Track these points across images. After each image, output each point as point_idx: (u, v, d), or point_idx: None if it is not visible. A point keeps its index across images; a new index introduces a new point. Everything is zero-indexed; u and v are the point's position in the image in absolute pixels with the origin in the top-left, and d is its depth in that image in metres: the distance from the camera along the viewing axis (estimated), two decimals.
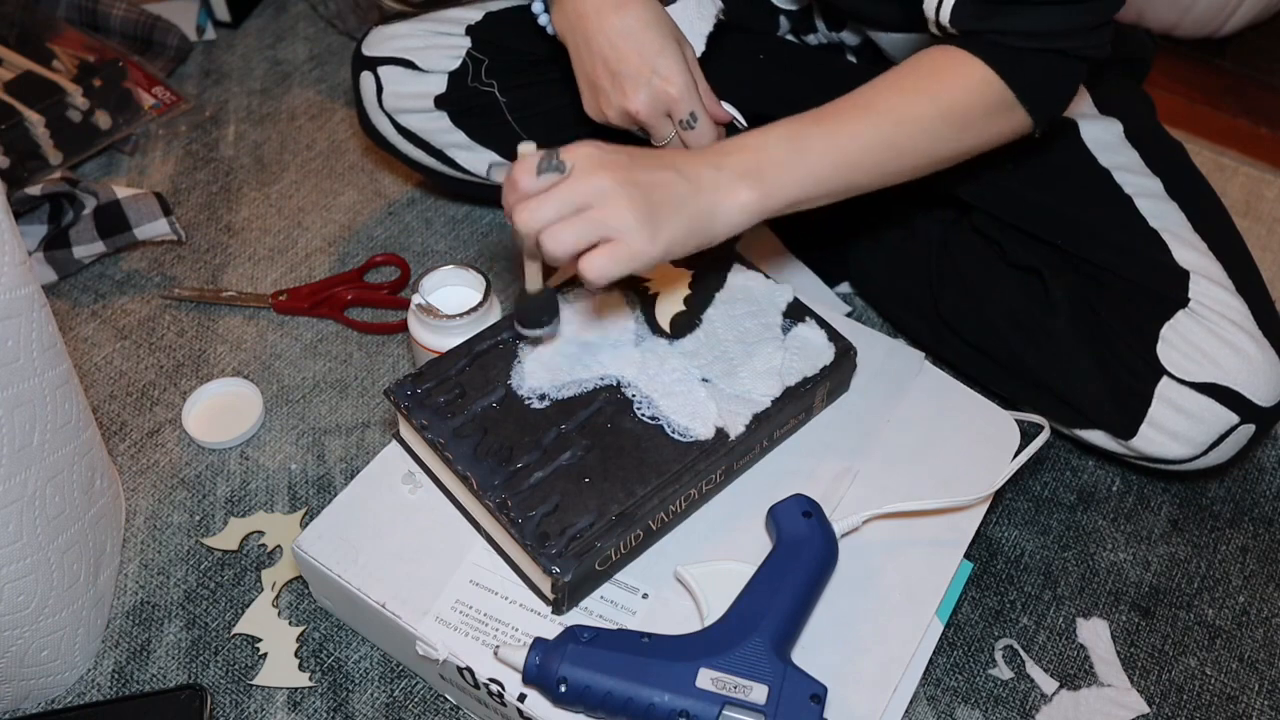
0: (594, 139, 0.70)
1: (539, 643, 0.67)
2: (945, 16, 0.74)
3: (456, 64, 0.99)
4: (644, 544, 0.74)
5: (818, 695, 0.64)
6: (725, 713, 0.63)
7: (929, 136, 0.74)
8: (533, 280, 0.73)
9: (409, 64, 0.99)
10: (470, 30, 1.00)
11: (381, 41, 1.00)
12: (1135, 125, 0.92)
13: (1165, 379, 0.82)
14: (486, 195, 1.13)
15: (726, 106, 0.82)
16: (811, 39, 0.98)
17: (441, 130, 1.01)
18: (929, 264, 0.98)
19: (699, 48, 0.85)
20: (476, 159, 1.03)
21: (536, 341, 0.78)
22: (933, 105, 0.73)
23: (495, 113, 1.00)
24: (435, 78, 0.99)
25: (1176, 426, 0.82)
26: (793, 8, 0.93)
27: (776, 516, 0.73)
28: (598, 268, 0.66)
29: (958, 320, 0.95)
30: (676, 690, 0.64)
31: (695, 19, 0.86)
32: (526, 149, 0.68)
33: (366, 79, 1.01)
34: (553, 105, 0.99)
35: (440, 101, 0.99)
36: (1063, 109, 0.78)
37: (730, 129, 0.83)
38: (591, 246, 0.66)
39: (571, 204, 0.66)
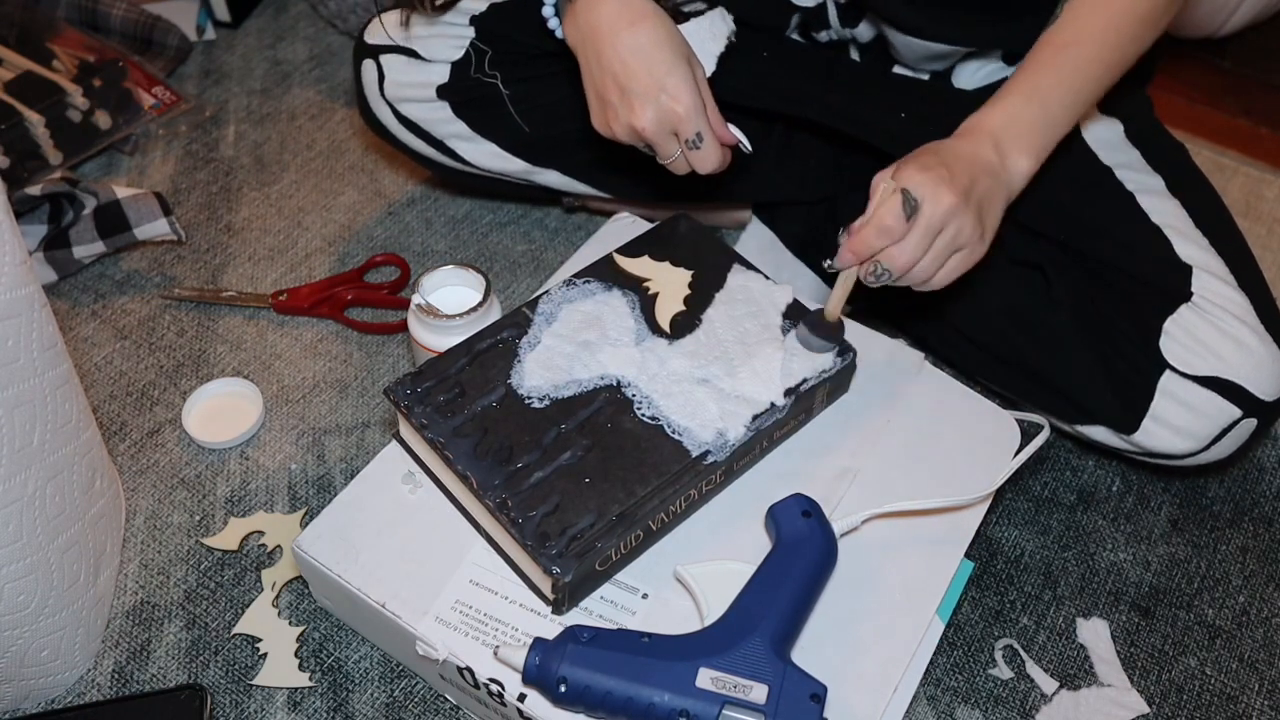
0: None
1: (539, 643, 0.67)
2: None
3: (459, 54, 0.99)
4: (644, 544, 0.74)
5: (818, 695, 0.64)
6: (725, 712, 0.63)
7: (1135, 42, 0.79)
8: (836, 308, 0.78)
9: (411, 53, 0.99)
10: (474, 20, 1.00)
11: (384, 30, 1.00)
12: (1136, 125, 0.92)
13: (1168, 372, 0.82)
14: (486, 187, 1.13)
15: (732, 129, 0.82)
16: (822, 35, 0.97)
17: (442, 120, 1.01)
18: None
19: (709, 67, 0.85)
20: (477, 150, 1.03)
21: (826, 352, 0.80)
22: (1131, 14, 0.78)
23: (497, 104, 1.00)
24: (438, 67, 0.99)
25: (1179, 420, 0.82)
26: (809, 4, 0.93)
27: (776, 516, 0.73)
28: (949, 278, 0.75)
29: (959, 316, 0.95)
30: (676, 690, 0.64)
31: (707, 39, 0.86)
32: (883, 186, 0.73)
33: (368, 67, 1.00)
34: (555, 98, 0.99)
35: (442, 91, 0.99)
36: None
37: (736, 151, 0.83)
38: None
39: (933, 232, 0.72)
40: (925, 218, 0.71)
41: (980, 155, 0.75)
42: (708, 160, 0.81)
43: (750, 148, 0.83)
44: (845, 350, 0.80)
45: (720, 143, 0.82)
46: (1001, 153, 0.76)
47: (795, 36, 1.00)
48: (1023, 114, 0.77)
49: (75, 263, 1.07)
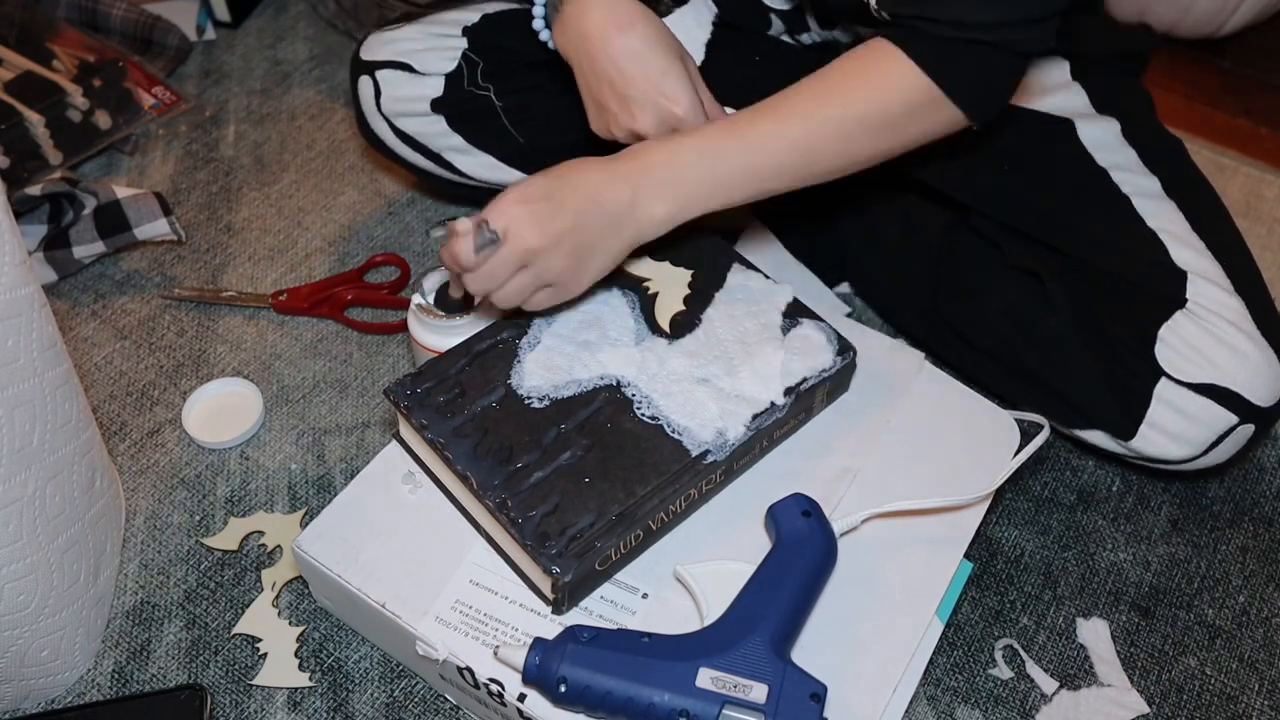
0: (584, 156, 0.75)
1: (539, 643, 0.67)
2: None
3: (453, 65, 0.99)
4: (644, 544, 0.74)
5: (818, 694, 0.64)
6: (725, 712, 0.63)
7: (843, 140, 0.74)
8: (457, 290, 0.82)
9: (406, 67, 0.99)
10: (467, 31, 1.00)
11: (379, 45, 1.00)
12: (1133, 124, 0.92)
13: (1164, 380, 0.82)
14: (483, 198, 1.12)
15: (730, 113, 0.82)
16: (805, 38, 0.97)
17: (439, 134, 1.01)
18: (929, 264, 0.98)
19: (698, 56, 0.85)
20: (474, 162, 1.03)
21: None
22: (847, 109, 0.73)
23: (492, 116, 1.00)
24: (432, 80, 0.99)
25: (1175, 427, 0.82)
26: (785, 7, 0.93)
27: (776, 516, 0.73)
28: (537, 306, 0.76)
29: (958, 320, 0.95)
30: (676, 690, 0.64)
31: (693, 27, 0.86)
32: (460, 226, 0.73)
33: (365, 83, 1.01)
34: (549, 108, 0.99)
35: (437, 105, 0.99)
36: (1002, 104, 0.77)
37: None
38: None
39: (511, 271, 0.73)
40: (503, 256, 0.72)
41: (607, 194, 0.73)
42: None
43: None
44: (845, 350, 0.80)
45: None
46: (636, 193, 0.73)
47: (786, 39, 1.00)
48: (685, 164, 0.74)
49: (75, 263, 1.07)
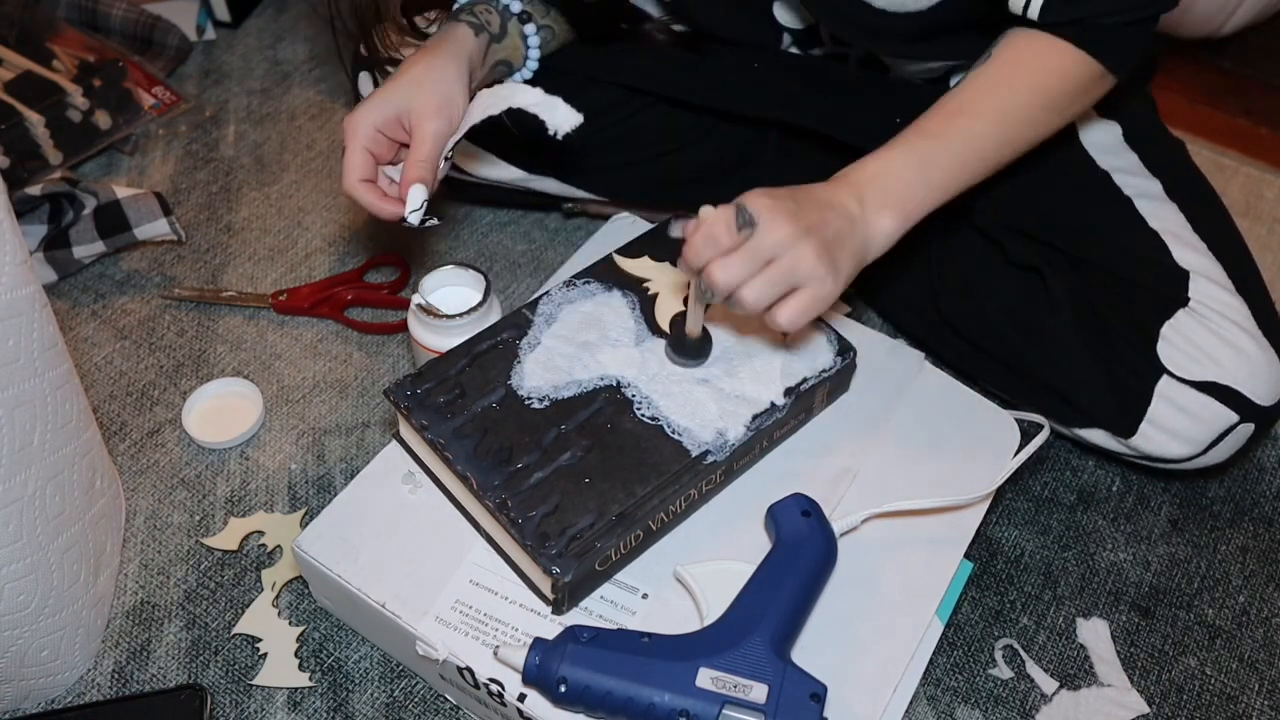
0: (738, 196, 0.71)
1: (538, 643, 0.67)
2: (1034, 13, 0.75)
3: None
4: (644, 544, 0.74)
5: (818, 694, 0.64)
6: (725, 712, 0.63)
7: (1033, 125, 0.78)
8: (696, 324, 0.76)
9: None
10: None
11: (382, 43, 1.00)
12: (1134, 127, 0.92)
13: (1165, 377, 0.82)
14: (486, 196, 1.13)
15: (413, 195, 0.80)
16: (816, 51, 0.98)
17: None
18: (929, 263, 0.98)
19: (465, 124, 0.83)
20: (474, 161, 1.03)
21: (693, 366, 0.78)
22: (1034, 96, 0.77)
23: (491, 120, 1.00)
24: None
25: (1176, 425, 0.82)
26: (798, 26, 0.94)
27: (775, 516, 0.73)
28: (792, 316, 0.70)
29: (958, 320, 0.95)
30: (677, 690, 0.64)
31: (489, 106, 0.83)
32: (707, 212, 0.68)
33: (365, 80, 1.01)
34: None
35: None
36: (1140, 61, 0.81)
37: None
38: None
39: (762, 258, 0.68)
40: (756, 241, 0.68)
41: (837, 200, 0.72)
42: (347, 178, 0.81)
43: (415, 223, 0.81)
44: (845, 350, 0.80)
45: (402, 189, 0.81)
46: (863, 205, 0.73)
47: (795, 49, 1.00)
48: (899, 173, 0.74)
49: (75, 263, 1.07)
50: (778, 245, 0.68)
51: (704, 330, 0.77)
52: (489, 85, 0.90)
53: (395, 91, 0.81)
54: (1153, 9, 0.76)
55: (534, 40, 0.91)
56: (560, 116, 0.79)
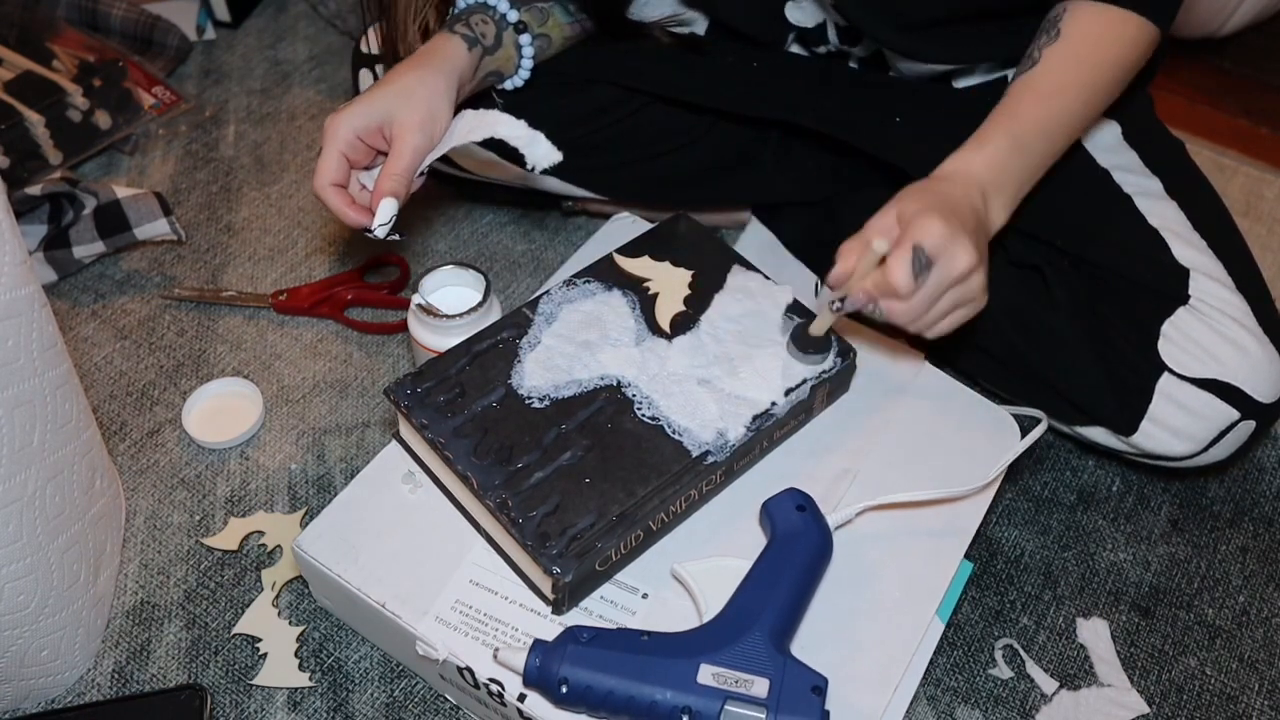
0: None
1: (539, 644, 0.67)
2: None
3: None
4: (644, 544, 0.74)
5: (818, 687, 0.64)
6: (727, 707, 0.63)
7: (1110, 96, 0.80)
8: (823, 327, 0.78)
9: None
10: None
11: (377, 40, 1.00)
12: (1134, 126, 0.92)
13: (1166, 375, 0.82)
14: (486, 194, 1.13)
15: (383, 210, 0.80)
16: (821, 49, 0.98)
17: None
18: None
19: (445, 145, 0.83)
20: (473, 158, 1.03)
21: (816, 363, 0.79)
22: (1112, 70, 0.79)
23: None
24: None
25: (1177, 422, 0.82)
26: (807, 25, 0.94)
27: (770, 511, 0.73)
28: (946, 331, 0.73)
29: None
30: (678, 687, 0.64)
31: (471, 131, 0.83)
32: (880, 246, 0.69)
33: (365, 76, 1.01)
34: (550, 107, 0.99)
35: None
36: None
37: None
38: None
39: (940, 293, 0.70)
40: (936, 278, 0.69)
41: (974, 204, 0.73)
42: (318, 179, 0.81)
43: (381, 236, 0.81)
44: (845, 350, 0.80)
45: (373, 199, 0.81)
46: (987, 202, 0.74)
47: (796, 46, 1.00)
48: (1008, 164, 0.76)
49: (75, 263, 1.07)
50: (956, 279, 0.70)
51: (830, 336, 0.79)
52: (478, 93, 0.90)
53: (381, 100, 0.81)
54: None
55: (528, 50, 0.91)
56: (540, 153, 0.80)
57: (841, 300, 0.72)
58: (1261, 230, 1.19)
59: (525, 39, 0.90)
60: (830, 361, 0.79)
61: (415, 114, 0.80)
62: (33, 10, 1.28)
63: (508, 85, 0.94)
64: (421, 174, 0.83)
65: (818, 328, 0.78)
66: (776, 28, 0.95)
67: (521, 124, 0.80)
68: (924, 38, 0.87)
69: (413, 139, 0.80)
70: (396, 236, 0.81)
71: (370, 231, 0.80)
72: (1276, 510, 0.94)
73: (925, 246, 0.68)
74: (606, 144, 1.01)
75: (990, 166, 0.75)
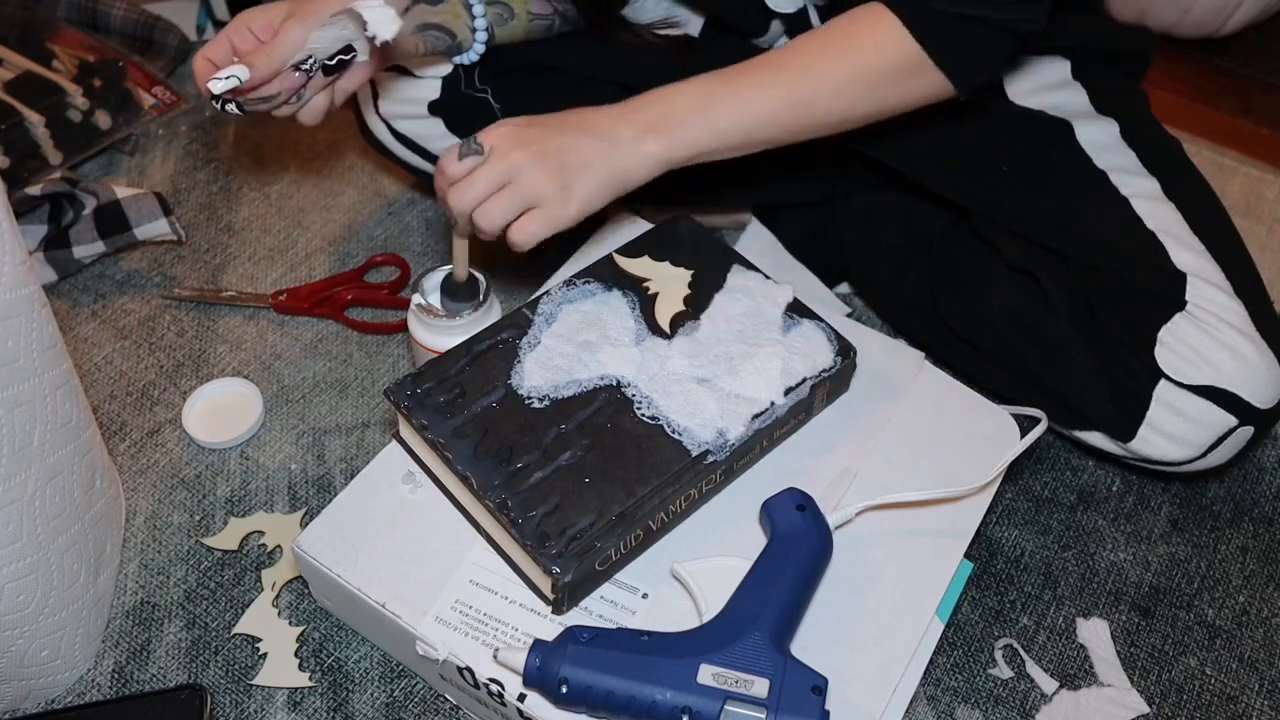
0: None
1: (539, 645, 0.67)
2: None
3: (449, 68, 0.99)
4: (644, 544, 0.74)
5: (819, 687, 0.64)
6: (727, 707, 0.64)
7: (836, 95, 0.77)
8: (461, 265, 0.82)
9: (403, 69, 0.99)
10: None
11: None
12: (1132, 125, 0.92)
13: (1163, 382, 0.82)
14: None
15: (227, 74, 0.78)
16: None
17: (437, 135, 1.01)
18: (929, 264, 0.98)
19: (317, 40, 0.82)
20: None
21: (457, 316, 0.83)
22: (841, 65, 0.76)
23: (489, 118, 1.00)
24: (429, 83, 0.99)
25: (1175, 429, 0.82)
26: (789, 10, 0.93)
27: (770, 511, 0.73)
28: (523, 234, 0.75)
29: (957, 321, 0.95)
30: (678, 687, 0.64)
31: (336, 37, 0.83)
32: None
33: (363, 85, 1.01)
34: (548, 110, 0.99)
35: (434, 107, 0.99)
36: (987, 78, 0.80)
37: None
38: (517, 216, 0.75)
39: (494, 182, 0.74)
40: (486, 167, 0.74)
41: (594, 123, 0.76)
42: (200, 51, 0.82)
43: (216, 90, 0.78)
44: (845, 350, 0.80)
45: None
46: (628, 126, 0.76)
47: (784, 41, 1.00)
48: (678, 104, 0.76)
49: (75, 263, 1.07)
50: (509, 169, 0.73)
51: (470, 273, 0.83)
52: (424, 53, 0.91)
53: (286, 3, 0.82)
54: (988, 9, 0.74)
55: (479, 9, 0.91)
56: (381, 18, 0.78)
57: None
58: (1261, 231, 1.19)
59: (476, 1, 0.90)
60: (830, 359, 0.79)
61: (304, 11, 0.81)
62: (33, 10, 1.28)
63: (464, 58, 0.94)
64: (306, 70, 0.81)
65: (456, 270, 0.83)
66: (758, 17, 0.95)
67: (379, 1, 0.79)
68: None
69: (290, 27, 0.80)
70: (234, 109, 0.81)
71: (210, 92, 0.79)
72: (1276, 510, 0.94)
73: (479, 138, 0.75)
74: None
75: (658, 101, 0.77)
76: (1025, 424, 0.83)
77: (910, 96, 0.79)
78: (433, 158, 1.03)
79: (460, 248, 0.82)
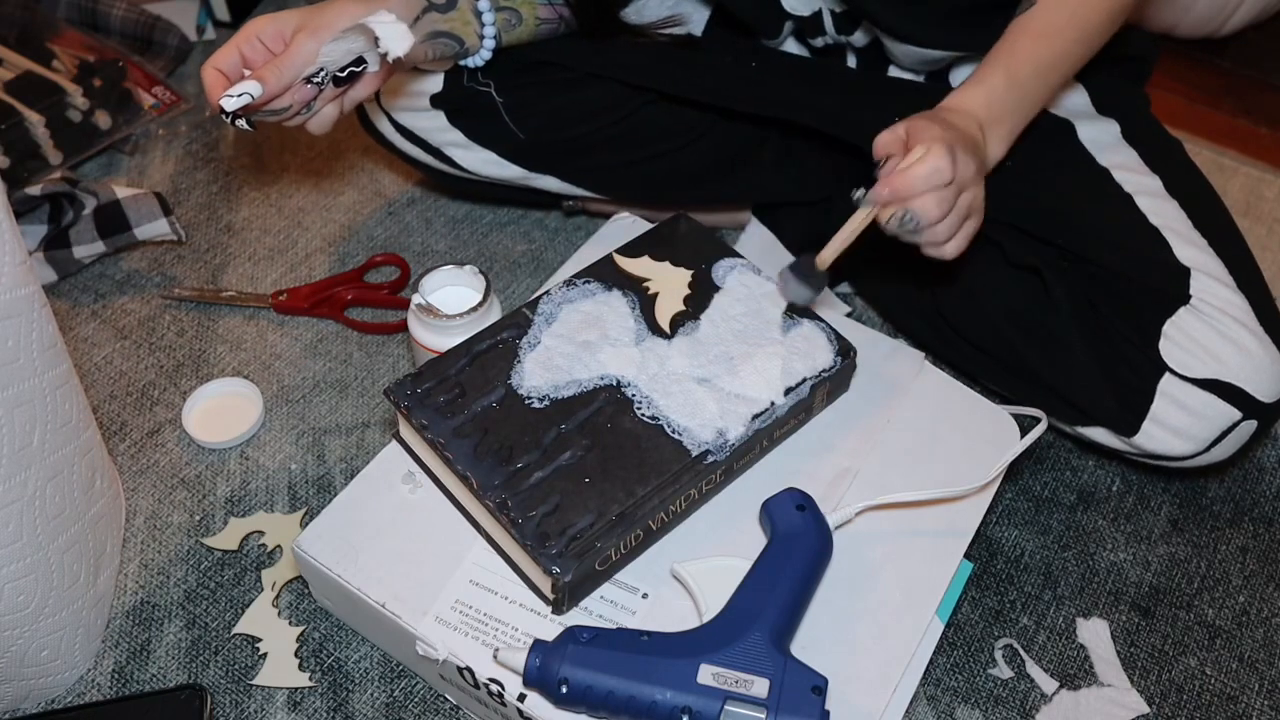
0: None
1: (539, 644, 0.67)
2: None
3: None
4: (644, 544, 0.74)
5: (818, 687, 0.64)
6: (727, 707, 0.64)
7: (1100, 37, 0.83)
8: (834, 253, 0.77)
9: None
10: None
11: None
12: (1133, 125, 0.92)
13: (1167, 375, 0.82)
14: (487, 193, 1.13)
15: (246, 84, 0.78)
16: (818, 41, 0.98)
17: (439, 129, 1.01)
18: (930, 262, 0.98)
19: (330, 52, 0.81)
20: (474, 158, 1.03)
21: (801, 301, 0.81)
22: (1104, 11, 0.81)
23: (492, 112, 1.00)
24: (432, 77, 0.99)
25: (1179, 423, 0.82)
26: (804, 12, 0.94)
27: (770, 511, 0.73)
28: (962, 245, 0.77)
29: (959, 319, 0.95)
30: (678, 687, 0.64)
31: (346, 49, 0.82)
32: (920, 149, 0.73)
33: None
34: (550, 106, 0.99)
35: (436, 100, 0.99)
36: None
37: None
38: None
39: (957, 195, 0.74)
40: (960, 177, 0.73)
41: (974, 136, 0.77)
42: (208, 60, 0.81)
43: (229, 108, 0.78)
44: (845, 350, 0.80)
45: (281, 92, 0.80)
46: (985, 134, 0.79)
47: (792, 41, 1.00)
48: (1004, 99, 0.80)
49: (75, 263, 1.07)
50: (969, 181, 0.74)
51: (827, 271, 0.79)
52: (432, 59, 0.90)
53: (293, 14, 0.81)
54: None
55: (489, 18, 0.91)
56: (394, 34, 0.78)
57: (864, 194, 0.74)
58: (1261, 230, 1.19)
59: (485, 4, 0.90)
60: (830, 359, 0.79)
61: (318, 25, 0.80)
62: (33, 10, 1.28)
63: (471, 62, 0.94)
64: (318, 83, 0.81)
65: (827, 255, 0.78)
66: (773, 17, 0.95)
67: (390, 16, 0.79)
68: (920, 21, 0.87)
69: (302, 40, 0.79)
70: (245, 124, 0.80)
71: (221, 108, 0.78)
72: (1276, 510, 0.94)
73: (917, 137, 0.73)
74: (606, 143, 1.01)
75: (988, 103, 0.79)
76: (1025, 424, 0.83)
77: (1125, 18, 0.84)
78: (434, 150, 1.03)
79: (852, 232, 0.76)
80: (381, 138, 1.04)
